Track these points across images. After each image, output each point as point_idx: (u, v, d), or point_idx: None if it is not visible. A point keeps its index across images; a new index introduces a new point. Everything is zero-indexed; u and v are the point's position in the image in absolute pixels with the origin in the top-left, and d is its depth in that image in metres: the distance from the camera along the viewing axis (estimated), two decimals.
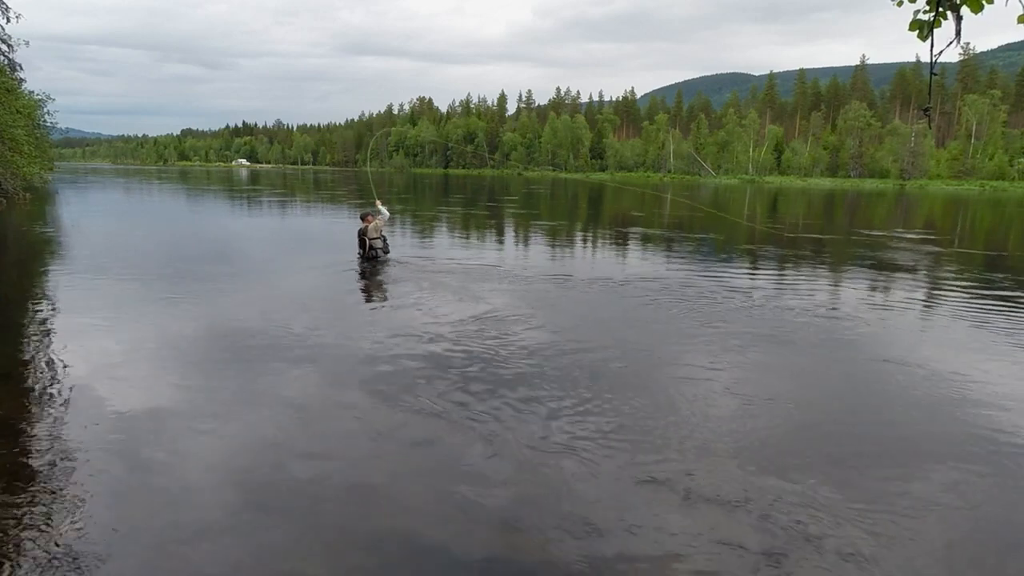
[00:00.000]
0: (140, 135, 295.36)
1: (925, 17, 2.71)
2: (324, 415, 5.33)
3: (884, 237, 20.75)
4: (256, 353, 6.87)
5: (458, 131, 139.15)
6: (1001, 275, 14.01)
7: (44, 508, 3.83)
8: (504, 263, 13.42)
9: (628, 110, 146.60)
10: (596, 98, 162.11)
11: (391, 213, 13.13)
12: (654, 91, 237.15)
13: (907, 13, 2.75)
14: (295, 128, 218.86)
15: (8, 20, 30.10)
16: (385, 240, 12.63)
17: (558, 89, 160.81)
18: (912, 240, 20.36)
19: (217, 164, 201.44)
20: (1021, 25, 2.50)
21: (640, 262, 14.43)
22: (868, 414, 5.54)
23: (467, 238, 19.18)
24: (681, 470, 4.40)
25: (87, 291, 9.95)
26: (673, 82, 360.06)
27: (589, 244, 18.32)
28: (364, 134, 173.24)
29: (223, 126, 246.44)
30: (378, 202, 12.83)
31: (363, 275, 11.74)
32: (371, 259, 12.36)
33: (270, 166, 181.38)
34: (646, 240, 18.84)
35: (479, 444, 4.78)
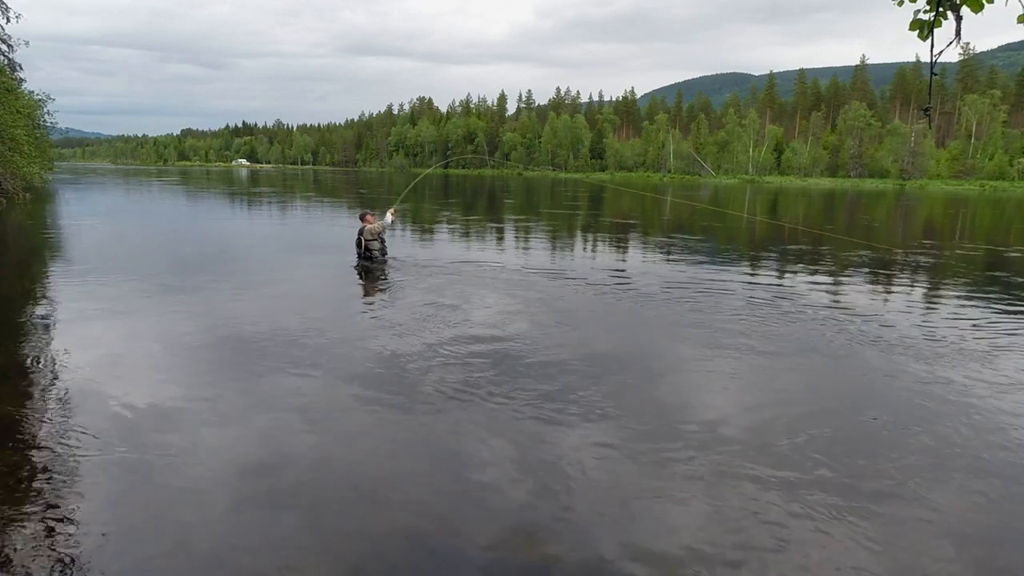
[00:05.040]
0: (140, 135, 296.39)
1: (925, 17, 2.72)
2: (324, 415, 5.32)
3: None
4: (255, 353, 6.86)
5: (458, 131, 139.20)
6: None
7: (45, 508, 3.82)
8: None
9: (628, 110, 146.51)
10: (596, 98, 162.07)
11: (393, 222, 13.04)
12: (654, 91, 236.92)
13: (907, 13, 2.76)
14: (295, 128, 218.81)
15: (8, 20, 30.20)
16: (383, 242, 12.82)
17: (558, 89, 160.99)
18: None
19: (217, 164, 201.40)
20: (1021, 25, 2.50)
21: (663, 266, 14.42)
22: (884, 418, 5.53)
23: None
24: (686, 472, 4.40)
25: (87, 291, 9.94)
26: (673, 82, 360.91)
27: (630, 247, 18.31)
28: (364, 134, 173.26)
29: (223, 126, 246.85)
30: (390, 210, 12.85)
31: (360, 275, 11.82)
32: (367, 259, 12.52)
33: (270, 166, 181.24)
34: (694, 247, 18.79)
35: (480, 444, 4.78)
